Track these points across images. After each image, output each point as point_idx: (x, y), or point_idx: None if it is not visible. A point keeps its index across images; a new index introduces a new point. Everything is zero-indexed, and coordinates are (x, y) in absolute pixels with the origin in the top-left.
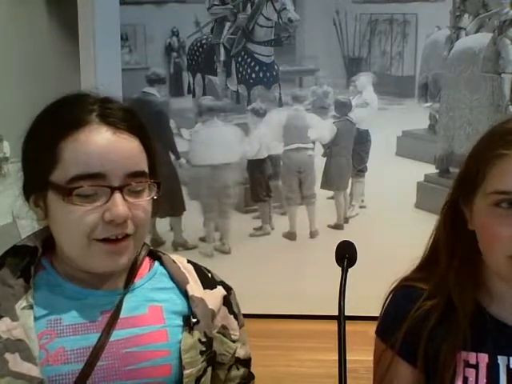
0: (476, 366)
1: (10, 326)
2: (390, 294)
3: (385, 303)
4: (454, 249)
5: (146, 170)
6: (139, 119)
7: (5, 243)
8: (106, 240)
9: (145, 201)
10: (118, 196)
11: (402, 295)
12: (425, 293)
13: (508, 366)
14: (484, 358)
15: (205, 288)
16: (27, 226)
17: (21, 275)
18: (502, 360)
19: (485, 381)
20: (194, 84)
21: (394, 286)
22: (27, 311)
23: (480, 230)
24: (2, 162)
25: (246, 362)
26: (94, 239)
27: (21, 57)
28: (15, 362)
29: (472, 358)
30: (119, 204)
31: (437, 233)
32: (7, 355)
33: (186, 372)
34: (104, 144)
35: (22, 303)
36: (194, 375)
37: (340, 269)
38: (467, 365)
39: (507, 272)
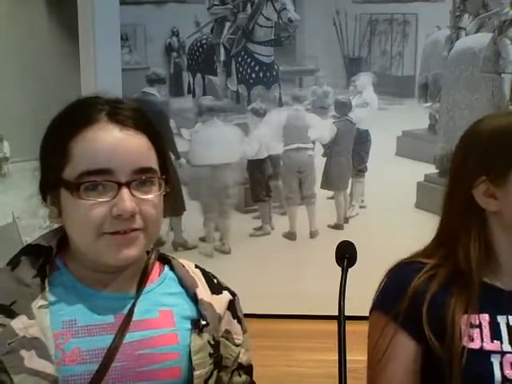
0: (479, 326)
1: (27, 324)
2: (389, 271)
3: (383, 280)
4: (467, 230)
5: (154, 166)
6: (148, 118)
7: (5, 243)
8: (114, 233)
9: (154, 196)
10: (125, 191)
11: (404, 268)
12: (427, 265)
13: (507, 323)
14: (485, 318)
15: (212, 293)
16: (28, 226)
17: (37, 274)
18: (501, 319)
19: (489, 337)
20: (194, 84)
21: (392, 265)
22: (43, 310)
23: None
24: (2, 162)
25: (247, 369)
26: (104, 233)
27: (21, 57)
28: (31, 359)
29: (474, 319)
30: (126, 199)
31: (447, 219)
32: (23, 352)
33: (196, 373)
34: (111, 141)
35: (38, 302)
36: (203, 377)
37: (340, 269)
38: (471, 326)
39: None
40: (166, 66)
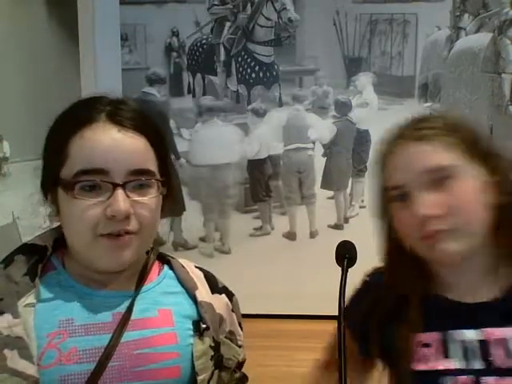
0: (430, 345)
1: (12, 323)
2: (361, 281)
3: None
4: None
5: (152, 168)
6: (150, 119)
7: (5, 243)
8: (109, 236)
9: (150, 199)
10: (119, 192)
11: (370, 279)
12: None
13: (461, 339)
14: (436, 336)
15: (213, 293)
16: (28, 226)
17: (27, 273)
18: (455, 334)
19: (441, 356)
20: (193, 84)
21: (364, 274)
22: (29, 309)
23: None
24: (2, 161)
25: (241, 365)
26: (99, 235)
27: (21, 57)
28: (13, 359)
29: (425, 337)
30: (120, 200)
31: None
32: (6, 351)
33: (199, 378)
34: (108, 141)
35: (25, 300)
36: (206, 380)
37: (340, 269)
38: (422, 345)
39: (427, 250)
40: (166, 66)
